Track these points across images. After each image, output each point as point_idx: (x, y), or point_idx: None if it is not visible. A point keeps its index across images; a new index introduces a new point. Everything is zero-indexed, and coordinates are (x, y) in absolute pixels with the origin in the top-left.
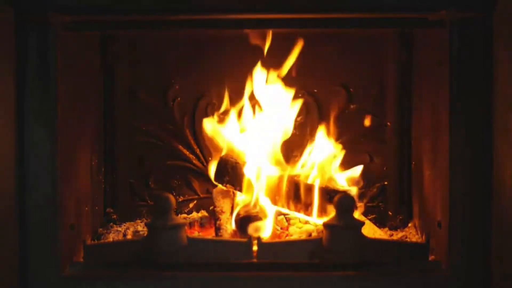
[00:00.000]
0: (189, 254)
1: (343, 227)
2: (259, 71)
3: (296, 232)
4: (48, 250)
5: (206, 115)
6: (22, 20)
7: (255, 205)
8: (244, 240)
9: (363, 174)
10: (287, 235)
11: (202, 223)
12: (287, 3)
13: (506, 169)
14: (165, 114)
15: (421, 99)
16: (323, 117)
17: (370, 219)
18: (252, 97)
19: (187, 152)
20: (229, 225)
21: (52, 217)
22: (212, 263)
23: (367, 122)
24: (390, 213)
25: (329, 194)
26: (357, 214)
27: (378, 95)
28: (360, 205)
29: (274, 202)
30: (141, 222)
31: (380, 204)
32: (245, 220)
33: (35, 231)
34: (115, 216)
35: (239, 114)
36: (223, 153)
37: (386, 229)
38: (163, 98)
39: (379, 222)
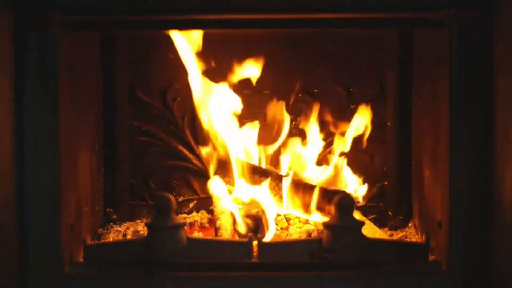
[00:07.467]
0: (189, 254)
1: (343, 227)
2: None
3: (296, 232)
4: (48, 250)
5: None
6: (22, 20)
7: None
8: (244, 240)
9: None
10: (287, 235)
11: (202, 223)
12: (288, 3)
13: (507, 168)
14: (165, 114)
15: (421, 99)
16: (323, 117)
17: (370, 219)
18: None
19: (187, 152)
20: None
21: (52, 217)
22: (212, 263)
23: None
24: (390, 213)
25: (328, 195)
26: (357, 214)
27: (378, 95)
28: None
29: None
30: (141, 222)
31: (380, 204)
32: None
33: (35, 231)
34: (115, 216)
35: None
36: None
37: (386, 229)
38: (163, 98)
39: (379, 222)
